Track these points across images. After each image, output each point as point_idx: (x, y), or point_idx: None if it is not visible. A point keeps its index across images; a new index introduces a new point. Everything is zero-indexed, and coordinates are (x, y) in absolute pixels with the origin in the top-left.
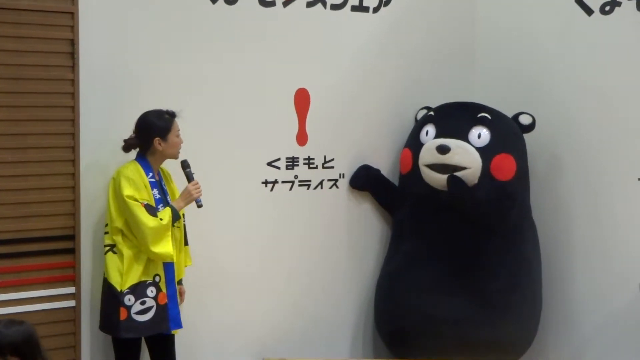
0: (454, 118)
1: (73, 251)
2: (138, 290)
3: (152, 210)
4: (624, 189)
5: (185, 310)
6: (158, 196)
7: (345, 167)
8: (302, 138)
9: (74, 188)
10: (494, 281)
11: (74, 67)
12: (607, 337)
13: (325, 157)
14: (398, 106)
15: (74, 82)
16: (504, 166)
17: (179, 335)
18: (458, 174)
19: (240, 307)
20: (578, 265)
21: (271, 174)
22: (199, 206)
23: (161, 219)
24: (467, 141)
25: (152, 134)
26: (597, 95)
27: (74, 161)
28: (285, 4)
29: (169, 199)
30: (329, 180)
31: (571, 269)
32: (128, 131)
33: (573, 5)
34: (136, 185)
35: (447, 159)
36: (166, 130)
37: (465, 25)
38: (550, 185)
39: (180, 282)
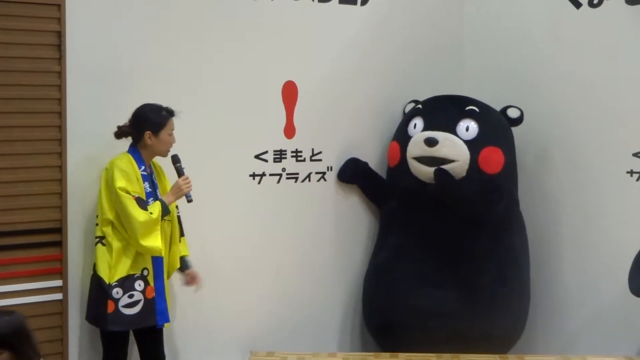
0: (442, 111)
1: (60, 244)
2: (126, 283)
3: (142, 204)
4: (613, 182)
5: (174, 303)
6: (149, 189)
7: (333, 160)
8: (289, 131)
9: (61, 181)
10: (483, 274)
11: (60, 59)
12: (595, 330)
13: (313, 149)
14: (386, 99)
15: (61, 74)
16: (492, 159)
17: (168, 328)
18: (446, 166)
19: (229, 300)
20: (566, 259)
21: (259, 166)
22: (189, 201)
23: (151, 213)
24: (455, 134)
25: (144, 126)
26: (586, 88)
27: (61, 154)
28: None
29: (158, 193)
30: (316, 173)
31: (559, 262)
32: (115, 123)
33: None
34: (129, 177)
35: (434, 151)
36: (159, 126)
37: (454, 18)
38: (538, 179)
39: (187, 267)
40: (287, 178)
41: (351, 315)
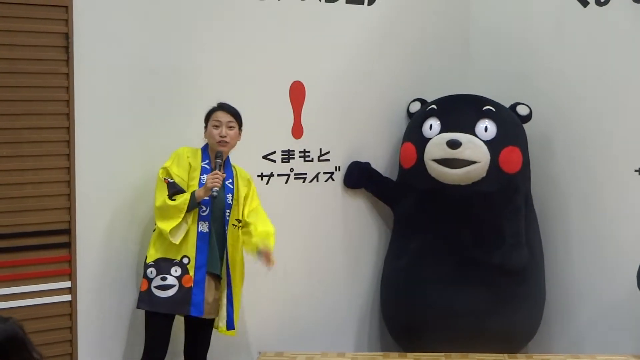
0: (459, 111)
1: (69, 245)
2: (162, 265)
3: (173, 189)
4: (621, 181)
5: None
6: (204, 182)
7: (341, 160)
8: (297, 131)
9: (69, 182)
10: (506, 272)
11: (68, 60)
12: (604, 328)
13: (321, 149)
14: (393, 98)
15: (69, 75)
16: (512, 159)
17: (175, 327)
18: (468, 168)
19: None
20: (573, 257)
21: (267, 167)
22: (213, 196)
23: (173, 199)
24: (475, 134)
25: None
26: (593, 87)
27: (69, 155)
28: None
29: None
30: (324, 173)
31: (567, 260)
32: (123, 124)
33: None
34: (179, 160)
35: (457, 153)
36: (206, 120)
37: (460, 17)
38: (545, 178)
39: (260, 252)
40: (295, 178)
41: (360, 315)
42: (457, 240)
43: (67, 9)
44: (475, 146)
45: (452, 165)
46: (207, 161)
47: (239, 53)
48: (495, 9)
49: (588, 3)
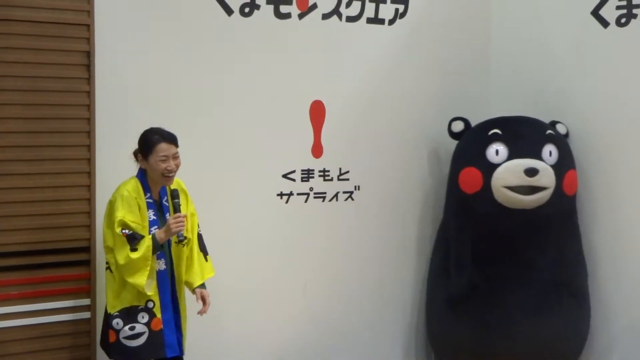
0: (525, 137)
1: (88, 263)
2: (128, 314)
3: (134, 241)
4: None
5: (201, 322)
6: (153, 217)
7: (360, 179)
8: (317, 150)
9: (90, 200)
10: (576, 293)
11: (89, 79)
12: (629, 341)
13: (340, 169)
14: (413, 118)
15: (90, 94)
16: (573, 182)
17: (195, 348)
18: (540, 194)
19: (256, 320)
20: (600, 272)
21: (286, 186)
22: (180, 241)
23: (135, 249)
24: (541, 159)
25: (139, 148)
26: (619, 106)
27: (90, 173)
28: (300, 16)
29: (167, 218)
30: (344, 192)
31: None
32: None
33: (589, 18)
34: (129, 206)
35: (535, 181)
36: (147, 150)
37: (481, 36)
38: (581, 199)
39: (202, 286)
40: (315, 197)
41: (383, 335)
42: (531, 265)
43: (88, 27)
44: (549, 173)
45: (526, 192)
46: (148, 195)
47: (259, 72)
48: (515, 29)
49: (608, 24)
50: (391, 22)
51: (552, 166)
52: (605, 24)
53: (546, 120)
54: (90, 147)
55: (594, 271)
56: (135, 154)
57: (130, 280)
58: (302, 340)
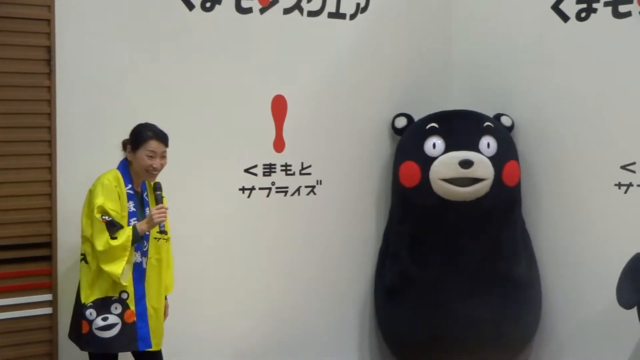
0: (462, 129)
1: (50, 258)
2: (101, 305)
3: (113, 228)
4: (601, 194)
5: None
6: (133, 209)
7: (323, 173)
8: (279, 145)
9: (51, 195)
10: (515, 279)
11: (50, 74)
12: (583, 340)
13: (302, 163)
14: (375, 112)
15: (51, 89)
16: (513, 173)
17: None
18: (477, 185)
19: (219, 316)
20: (554, 270)
21: (248, 180)
22: (162, 232)
23: (115, 238)
24: (479, 151)
25: (129, 141)
26: (574, 100)
27: (51, 168)
28: (262, 11)
29: (147, 212)
30: (306, 186)
31: (547, 273)
32: (105, 137)
33: (549, 12)
34: (110, 194)
35: (470, 172)
36: (137, 144)
37: (442, 31)
38: (525, 190)
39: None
40: (277, 192)
41: (343, 330)
42: (465, 253)
43: (49, 22)
44: (485, 164)
45: (462, 184)
46: (129, 186)
47: (220, 67)
48: (476, 23)
49: (569, 18)
50: (352, 16)
51: (491, 158)
52: (565, 18)
53: (497, 112)
54: (51, 143)
55: (542, 260)
56: (125, 144)
57: (107, 268)
58: (264, 336)
